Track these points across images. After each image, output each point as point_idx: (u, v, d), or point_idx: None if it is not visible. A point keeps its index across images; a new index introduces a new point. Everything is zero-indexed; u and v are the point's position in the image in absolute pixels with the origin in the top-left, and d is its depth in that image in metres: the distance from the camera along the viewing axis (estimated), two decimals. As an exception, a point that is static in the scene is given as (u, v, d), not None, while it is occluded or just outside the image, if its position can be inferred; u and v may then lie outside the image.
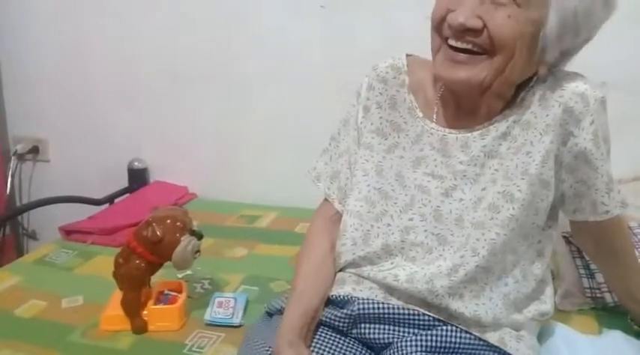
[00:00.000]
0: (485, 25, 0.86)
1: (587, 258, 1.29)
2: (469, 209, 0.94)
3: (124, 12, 2.11)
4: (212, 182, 2.13)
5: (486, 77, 0.89)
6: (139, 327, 1.21)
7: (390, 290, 0.96)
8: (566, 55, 0.93)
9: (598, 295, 1.28)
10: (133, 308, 1.21)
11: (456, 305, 0.92)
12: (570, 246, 1.35)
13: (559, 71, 0.96)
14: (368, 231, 0.99)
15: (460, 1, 0.87)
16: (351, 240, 0.99)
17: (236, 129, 2.10)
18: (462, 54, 0.89)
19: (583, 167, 0.93)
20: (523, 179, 0.92)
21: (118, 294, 1.23)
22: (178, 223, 1.20)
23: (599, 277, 1.26)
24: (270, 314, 1.07)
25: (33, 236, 2.47)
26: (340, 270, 1.03)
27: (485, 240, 0.92)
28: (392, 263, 0.97)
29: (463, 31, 0.87)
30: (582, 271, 1.31)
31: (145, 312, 1.23)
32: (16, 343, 1.19)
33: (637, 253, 1.25)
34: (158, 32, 2.09)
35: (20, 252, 2.41)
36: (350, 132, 1.08)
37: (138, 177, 2.19)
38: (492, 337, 0.94)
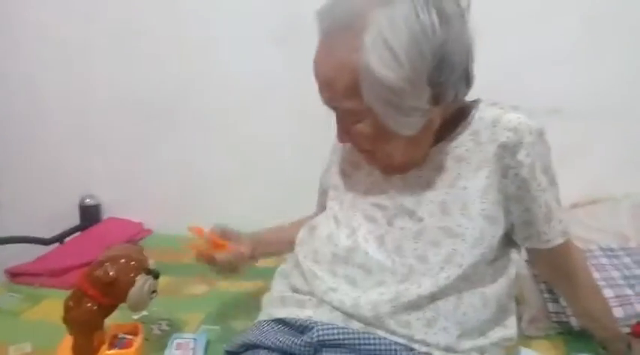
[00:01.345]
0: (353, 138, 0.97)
1: (550, 282, 1.30)
2: (409, 239, 0.96)
3: (78, 43, 2.06)
4: (168, 217, 2.07)
5: (384, 163, 1.00)
6: (93, 375, 1.14)
7: (348, 314, 0.96)
8: (457, 84, 0.92)
9: (564, 319, 1.28)
10: (85, 354, 1.14)
11: (402, 332, 0.92)
12: (534, 271, 1.35)
13: (492, 105, 0.98)
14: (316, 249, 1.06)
15: (336, 120, 0.97)
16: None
17: (194, 162, 2.06)
18: (361, 152, 1.02)
19: (526, 196, 0.95)
20: (462, 214, 0.94)
21: (68, 340, 1.16)
22: (133, 262, 1.15)
23: (564, 301, 1.26)
24: (230, 353, 1.05)
25: (-22, 279, 2.35)
26: (294, 291, 1.06)
27: (429, 274, 0.93)
28: (334, 283, 0.99)
29: None
30: (546, 295, 1.32)
31: (98, 358, 1.16)
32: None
33: (597, 275, 1.27)
34: (114, 63, 2.06)
35: (-36, 297, 2.28)
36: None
37: (90, 215, 2.12)
38: None
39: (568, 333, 1.28)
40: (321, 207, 1.20)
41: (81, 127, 2.14)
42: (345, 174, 1.12)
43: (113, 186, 2.15)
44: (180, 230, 1.94)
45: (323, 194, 1.23)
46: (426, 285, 0.92)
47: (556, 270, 1.09)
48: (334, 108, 0.95)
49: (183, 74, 2.00)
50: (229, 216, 1.95)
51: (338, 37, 0.87)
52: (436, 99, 0.90)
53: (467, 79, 0.94)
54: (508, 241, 1.02)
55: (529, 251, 1.07)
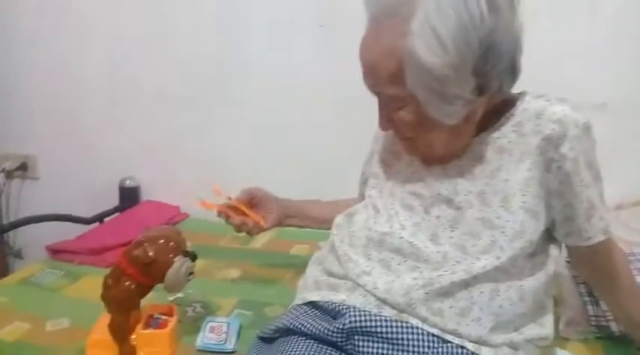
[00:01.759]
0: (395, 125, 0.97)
1: (591, 285, 1.27)
2: (445, 227, 0.96)
3: (113, 32, 2.10)
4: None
5: (424, 152, 1.01)
6: (127, 353, 1.15)
7: (381, 299, 0.96)
8: (502, 75, 0.91)
9: (603, 323, 1.24)
10: (121, 332, 1.15)
11: (434, 320, 0.92)
12: (574, 271, 1.32)
13: (538, 97, 0.97)
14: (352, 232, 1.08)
15: (379, 106, 0.97)
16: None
17: (230, 148, 2.07)
18: (402, 140, 1.02)
19: (568, 191, 0.94)
20: (502, 206, 0.93)
21: (105, 317, 1.17)
22: (171, 243, 1.15)
23: (604, 304, 1.23)
24: (263, 339, 1.06)
25: (19, 255, 2.42)
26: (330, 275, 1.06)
27: (465, 263, 0.92)
28: (368, 266, 0.99)
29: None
30: (586, 298, 1.28)
31: (133, 337, 1.17)
32: (-3, 368, 1.14)
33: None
34: (149, 50, 2.09)
35: (5, 272, 2.35)
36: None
37: (129, 196, 2.15)
38: (488, 353, 0.91)
39: (607, 338, 1.24)
40: (362, 196, 1.20)
41: (121, 112, 2.17)
42: (385, 164, 1.13)
43: (152, 169, 2.19)
44: (215, 215, 1.98)
45: (364, 183, 1.22)
46: (459, 273, 0.92)
47: (596, 270, 1.08)
48: (377, 95, 0.95)
49: (218, 62, 2.01)
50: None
51: (385, 22, 0.87)
52: (480, 90, 0.89)
53: (513, 71, 0.92)
54: (549, 237, 1.00)
55: (570, 249, 1.05)
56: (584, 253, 1.02)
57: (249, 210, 1.34)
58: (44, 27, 2.17)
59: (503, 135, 0.96)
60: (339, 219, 1.15)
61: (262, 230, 1.35)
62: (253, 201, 1.38)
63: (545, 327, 1.00)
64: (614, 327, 1.22)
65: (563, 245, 1.03)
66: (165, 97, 2.09)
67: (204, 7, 1.98)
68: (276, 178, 1.99)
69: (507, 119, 0.97)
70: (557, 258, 1.04)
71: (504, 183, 0.94)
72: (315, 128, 1.93)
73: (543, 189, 0.94)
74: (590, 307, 1.27)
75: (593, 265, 1.06)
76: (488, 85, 0.89)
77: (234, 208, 1.33)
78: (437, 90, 0.87)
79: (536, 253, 0.97)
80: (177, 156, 2.15)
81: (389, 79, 0.89)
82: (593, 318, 1.26)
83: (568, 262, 1.30)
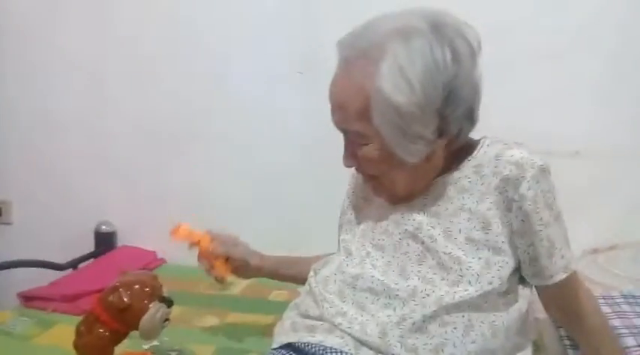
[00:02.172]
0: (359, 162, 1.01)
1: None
2: (413, 262, 0.99)
3: (95, 72, 2.11)
4: (181, 247, 2.06)
5: (388, 190, 1.03)
6: (100, 403, 1.12)
7: (358, 340, 0.97)
8: (461, 120, 0.96)
9: (584, 367, 1.24)
10: (94, 381, 1.12)
11: None
12: (547, 313, 1.31)
13: (497, 141, 1.02)
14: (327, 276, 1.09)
15: (345, 143, 1.02)
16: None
17: (209, 194, 2.06)
18: (367, 179, 1.06)
19: (529, 230, 0.97)
20: (467, 244, 0.97)
21: (78, 366, 1.14)
22: (147, 289, 1.13)
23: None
24: None
25: (-11, 302, 2.34)
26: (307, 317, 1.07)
27: (434, 295, 0.95)
28: (344, 307, 1.01)
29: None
30: (567, 342, 1.28)
31: (107, 386, 1.14)
32: None
33: (618, 322, 1.23)
34: (130, 93, 2.09)
35: (-25, 320, 2.27)
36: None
37: (105, 241, 2.12)
38: None
39: (589, 382, 1.24)
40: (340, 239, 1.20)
41: (98, 155, 2.16)
42: (357, 208, 1.17)
43: (129, 214, 2.16)
44: (194, 261, 1.95)
45: (340, 226, 1.23)
46: (430, 305, 0.94)
47: (564, 310, 1.09)
48: (344, 131, 1.00)
49: (198, 105, 2.03)
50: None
51: (356, 63, 0.93)
52: (441, 131, 0.95)
53: (471, 117, 0.98)
54: (518, 276, 1.02)
55: (538, 290, 1.07)
56: (551, 293, 1.04)
57: (219, 262, 1.32)
58: (24, 66, 2.17)
59: (464, 175, 1.01)
60: (315, 265, 1.17)
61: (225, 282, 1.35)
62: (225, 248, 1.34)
63: None
64: (595, 371, 1.21)
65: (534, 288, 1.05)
66: (142, 141, 2.09)
67: (185, 49, 2.00)
68: (255, 221, 2.00)
69: (468, 161, 1.02)
70: (528, 296, 1.05)
71: (467, 222, 0.98)
72: (292, 170, 1.94)
73: (507, 229, 0.97)
74: (570, 351, 1.27)
75: (560, 305, 1.08)
76: (448, 128, 0.95)
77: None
78: (401, 128, 0.92)
79: (507, 291, 0.99)
80: (155, 200, 2.13)
81: (356, 115, 0.93)
82: (573, 362, 1.25)
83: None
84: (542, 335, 1.33)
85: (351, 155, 1.01)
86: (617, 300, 1.38)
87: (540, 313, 1.35)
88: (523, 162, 0.95)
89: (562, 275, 1.00)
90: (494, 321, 0.96)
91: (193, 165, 2.07)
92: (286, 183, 1.97)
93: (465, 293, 0.94)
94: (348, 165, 1.04)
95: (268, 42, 1.93)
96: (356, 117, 0.94)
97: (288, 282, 1.42)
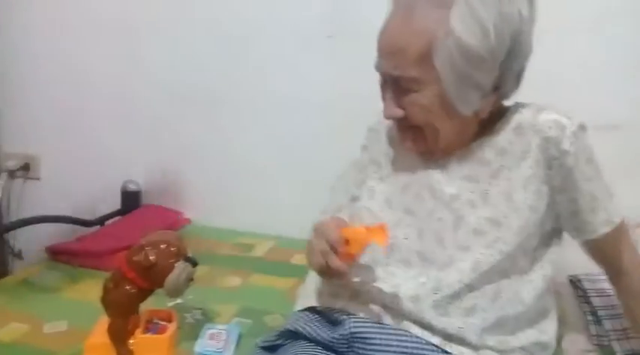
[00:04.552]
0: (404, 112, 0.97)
1: (595, 304, 1.26)
2: (448, 229, 0.99)
3: (123, 31, 2.09)
4: (207, 208, 2.09)
5: (429, 143, 1.00)
6: (125, 357, 1.15)
7: (383, 306, 0.98)
8: (513, 78, 0.97)
9: (605, 343, 1.23)
10: (120, 336, 1.15)
11: (439, 321, 0.94)
12: (577, 291, 1.31)
13: (529, 104, 1.02)
14: None
15: (383, 95, 0.99)
16: None
17: (235, 155, 2.07)
18: (404, 130, 1.02)
19: (570, 186, 0.97)
20: (507, 205, 0.97)
21: (104, 321, 1.17)
22: (173, 248, 1.15)
23: (607, 324, 1.23)
24: (264, 348, 1.07)
25: (19, 255, 2.40)
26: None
27: (470, 261, 0.95)
28: (374, 273, 1.01)
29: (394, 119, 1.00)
30: (589, 317, 1.27)
31: (131, 341, 1.16)
32: (-7, 368, 1.13)
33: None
34: (158, 53, 2.08)
35: (4, 272, 2.34)
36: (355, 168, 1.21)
37: (131, 200, 2.14)
38: None
39: (610, 358, 1.24)
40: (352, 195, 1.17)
41: (126, 114, 2.16)
42: (382, 172, 1.12)
43: (154, 173, 2.18)
44: (217, 222, 1.97)
45: (356, 187, 1.18)
46: (467, 272, 0.95)
47: (605, 264, 1.09)
48: (395, 78, 0.95)
49: (225, 68, 2.00)
50: (266, 210, 1.98)
51: (422, 6, 0.90)
52: (496, 86, 0.94)
53: (519, 77, 0.98)
54: (548, 239, 1.03)
55: (583, 246, 1.07)
56: (594, 246, 1.05)
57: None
58: (52, 24, 2.17)
59: (503, 137, 1.00)
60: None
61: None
62: None
63: (545, 333, 1.02)
64: (617, 347, 1.21)
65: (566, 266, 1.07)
66: (171, 102, 2.09)
67: (214, 12, 1.98)
68: (275, 190, 2.01)
69: (504, 123, 1.01)
70: (555, 261, 1.05)
71: (507, 182, 0.97)
72: (322, 137, 1.93)
73: (547, 186, 0.98)
74: (592, 326, 1.26)
75: (602, 259, 1.09)
76: (504, 83, 0.95)
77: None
78: (465, 73, 0.90)
79: (536, 256, 1.00)
80: (180, 160, 2.14)
81: (415, 59, 0.91)
82: (595, 338, 1.25)
83: (571, 281, 1.30)
84: (564, 309, 1.32)
85: (397, 104, 0.97)
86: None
87: (562, 288, 1.35)
88: (562, 120, 0.96)
89: (605, 229, 1.00)
90: (519, 288, 0.98)
91: (219, 128, 2.06)
92: (308, 150, 1.96)
93: (499, 255, 0.95)
94: (391, 116, 0.99)
95: (299, 4, 1.90)
96: (415, 62, 0.91)
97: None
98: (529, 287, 0.99)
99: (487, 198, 0.98)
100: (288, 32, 1.92)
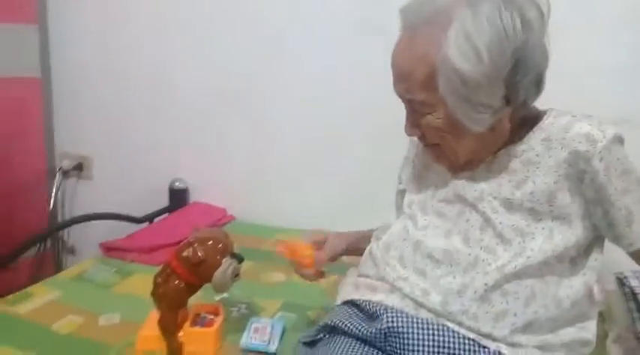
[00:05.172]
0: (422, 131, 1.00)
1: (642, 301, 1.23)
2: (475, 230, 0.99)
3: (165, 34, 2.17)
4: (250, 204, 2.13)
5: (450, 159, 1.02)
6: (175, 349, 1.19)
7: (416, 302, 0.99)
8: (528, 87, 0.94)
9: (652, 341, 1.21)
10: (169, 329, 1.19)
11: (469, 324, 0.94)
12: (624, 288, 1.29)
13: (565, 113, 0.99)
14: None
15: (407, 112, 1.01)
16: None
17: (275, 151, 2.11)
18: (426, 147, 1.06)
19: (604, 200, 0.95)
20: (530, 215, 0.96)
21: (155, 314, 1.22)
22: (220, 245, 1.19)
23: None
24: (305, 344, 1.09)
25: (72, 251, 2.51)
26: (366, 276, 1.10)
27: (495, 263, 0.95)
28: (404, 273, 1.02)
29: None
30: (636, 315, 1.25)
31: (181, 334, 1.21)
32: (52, 359, 1.19)
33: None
34: (199, 53, 2.14)
35: (59, 267, 2.44)
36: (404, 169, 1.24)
37: (178, 198, 2.20)
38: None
39: (657, 356, 1.22)
40: (399, 204, 1.22)
41: (171, 114, 2.23)
42: (418, 176, 1.16)
43: (200, 171, 2.24)
44: (260, 218, 1.99)
45: (402, 191, 1.23)
46: (492, 274, 0.94)
47: None
48: (408, 101, 0.98)
49: (267, 63, 2.04)
50: (307, 205, 2.01)
51: (421, 31, 0.91)
52: (507, 100, 0.93)
53: (538, 84, 0.96)
54: (590, 247, 1.01)
55: (627, 254, 1.05)
56: (636, 258, 1.02)
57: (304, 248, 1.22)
58: (101, 30, 2.26)
59: (531, 147, 0.98)
60: (376, 232, 1.18)
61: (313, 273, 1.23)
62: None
63: (586, 331, 1.01)
64: (664, 345, 1.19)
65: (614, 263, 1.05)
66: (213, 100, 2.14)
67: (248, 9, 2.02)
68: (317, 187, 2.03)
69: (534, 133, 0.99)
70: (598, 267, 1.03)
71: (530, 195, 0.96)
72: (353, 133, 1.94)
73: (580, 198, 0.96)
74: (639, 323, 1.23)
75: None
76: (516, 96, 0.93)
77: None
78: (466, 97, 0.90)
79: (574, 263, 0.98)
80: (225, 158, 2.19)
81: (421, 84, 0.92)
82: (642, 335, 1.23)
83: (618, 278, 1.28)
84: (611, 307, 1.30)
85: (414, 124, 1.00)
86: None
87: (610, 285, 1.33)
88: (593, 134, 0.93)
89: None
90: (557, 293, 0.96)
91: (264, 125, 2.10)
92: (345, 143, 1.98)
93: (528, 260, 0.94)
94: (410, 135, 1.03)
95: (328, 3, 1.91)
96: (421, 87, 0.92)
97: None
98: (568, 291, 0.97)
99: (510, 206, 0.97)
100: (319, 30, 1.93)
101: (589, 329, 1.01)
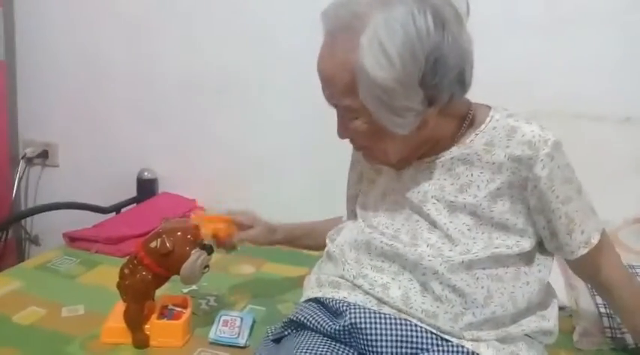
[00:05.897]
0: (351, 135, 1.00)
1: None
2: (423, 229, 1.00)
3: (141, 23, 2.12)
4: (221, 195, 2.10)
5: (382, 160, 1.02)
6: (141, 341, 1.17)
7: (378, 298, 0.99)
8: (451, 87, 0.92)
9: (618, 335, 1.24)
10: (135, 321, 1.17)
11: (429, 322, 0.95)
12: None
13: (507, 115, 0.98)
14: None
15: (337, 116, 0.99)
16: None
17: (248, 143, 2.08)
18: (359, 149, 1.05)
19: (546, 208, 0.96)
20: (471, 219, 0.97)
21: (120, 306, 1.19)
22: (189, 236, 1.17)
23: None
24: (273, 341, 1.08)
25: (35, 241, 2.45)
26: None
27: (445, 263, 0.95)
28: (363, 270, 1.02)
29: None
30: (602, 310, 1.27)
31: (147, 326, 1.18)
32: (12, 350, 1.16)
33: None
34: (173, 44, 2.10)
35: (21, 257, 2.38)
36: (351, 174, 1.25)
37: (146, 188, 2.17)
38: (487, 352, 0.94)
39: (622, 350, 1.24)
40: (351, 210, 1.21)
41: (142, 103, 2.19)
42: (367, 178, 1.15)
43: (170, 162, 2.20)
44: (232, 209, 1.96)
45: (349, 198, 1.23)
46: (444, 272, 0.94)
47: (591, 280, 1.10)
48: (335, 106, 0.97)
49: (239, 57, 2.01)
50: (278, 198, 1.99)
51: (339, 36, 0.89)
52: (430, 101, 0.91)
53: (462, 83, 0.93)
54: (538, 247, 1.02)
55: (566, 262, 1.07)
56: (575, 265, 1.05)
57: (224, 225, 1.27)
58: (70, 15, 2.20)
59: (474, 152, 0.98)
60: (330, 233, 1.18)
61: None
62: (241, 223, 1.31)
63: (547, 320, 1.02)
64: (630, 339, 1.21)
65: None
66: (186, 90, 2.11)
67: (229, 2, 1.99)
68: (288, 177, 2.02)
69: (477, 136, 0.98)
70: (568, 268, 1.06)
71: (472, 199, 0.96)
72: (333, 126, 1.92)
73: (523, 206, 0.96)
74: (605, 318, 1.26)
75: (587, 275, 1.10)
76: (438, 97, 0.91)
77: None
78: (386, 103, 0.89)
79: (527, 262, 0.99)
80: (195, 149, 2.16)
81: (344, 91, 0.91)
82: (608, 330, 1.25)
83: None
84: (577, 301, 1.32)
85: (344, 128, 0.99)
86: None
87: (576, 280, 1.35)
88: (535, 141, 0.92)
89: (583, 251, 0.99)
90: (513, 292, 0.96)
91: (233, 116, 2.07)
92: (320, 137, 1.95)
93: (475, 256, 0.94)
94: (342, 137, 1.02)
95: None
96: (344, 93, 0.91)
97: (304, 250, 1.44)
98: (524, 289, 0.98)
99: (453, 209, 0.98)
100: (304, 22, 1.90)
101: (549, 318, 1.02)
